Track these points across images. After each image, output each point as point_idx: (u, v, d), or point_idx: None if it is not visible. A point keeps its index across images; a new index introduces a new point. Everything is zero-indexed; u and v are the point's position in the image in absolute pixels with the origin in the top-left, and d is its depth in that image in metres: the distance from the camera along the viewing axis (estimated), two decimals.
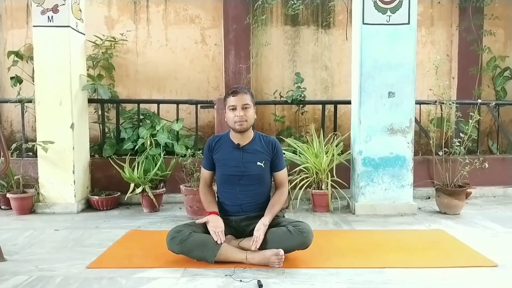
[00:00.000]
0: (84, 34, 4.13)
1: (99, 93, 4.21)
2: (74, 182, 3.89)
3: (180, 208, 4.04)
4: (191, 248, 2.42)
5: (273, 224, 2.56)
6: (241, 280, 2.19)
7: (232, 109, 2.53)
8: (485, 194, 4.51)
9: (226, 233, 2.53)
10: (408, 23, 3.66)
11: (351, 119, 4.00)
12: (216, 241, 2.42)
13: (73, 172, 3.89)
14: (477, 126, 4.39)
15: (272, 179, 2.74)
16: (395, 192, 3.76)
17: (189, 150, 4.11)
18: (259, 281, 2.14)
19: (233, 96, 2.53)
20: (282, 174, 2.71)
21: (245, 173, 2.59)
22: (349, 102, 4.16)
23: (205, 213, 2.65)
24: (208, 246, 2.41)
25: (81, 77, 4.06)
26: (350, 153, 3.98)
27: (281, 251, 2.37)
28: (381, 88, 3.69)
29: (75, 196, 3.89)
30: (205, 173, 2.75)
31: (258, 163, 2.60)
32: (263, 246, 2.43)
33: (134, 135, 4.46)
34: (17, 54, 4.78)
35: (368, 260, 2.51)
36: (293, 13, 5.14)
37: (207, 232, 2.50)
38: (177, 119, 4.56)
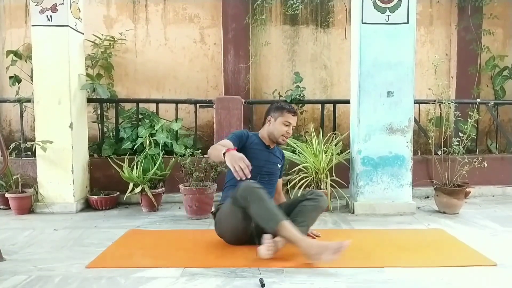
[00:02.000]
0: (83, 34, 4.12)
1: (98, 93, 4.21)
2: (73, 181, 3.89)
3: (179, 207, 4.03)
4: (261, 199, 2.40)
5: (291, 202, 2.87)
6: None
7: (287, 125, 2.87)
8: (484, 193, 4.52)
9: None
10: (407, 22, 3.66)
11: (350, 119, 4.00)
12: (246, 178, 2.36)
13: (72, 172, 3.88)
14: (476, 125, 4.40)
15: None
16: (394, 191, 3.76)
17: (188, 149, 4.11)
18: (261, 280, 2.14)
19: (292, 114, 2.89)
20: (281, 180, 3.19)
21: (269, 170, 2.89)
22: (348, 102, 4.16)
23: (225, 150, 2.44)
24: (275, 211, 2.41)
25: (80, 76, 4.05)
26: (349, 152, 3.98)
27: (346, 242, 2.30)
28: (380, 87, 3.69)
29: (74, 195, 3.89)
30: (228, 144, 2.60)
31: (278, 165, 3.00)
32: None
33: (133, 134, 4.45)
34: (15, 53, 4.76)
35: (367, 260, 2.51)
36: (292, 13, 5.15)
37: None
38: (176, 119, 4.56)
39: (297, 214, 2.68)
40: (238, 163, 2.31)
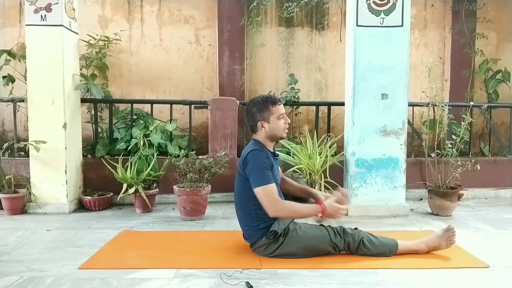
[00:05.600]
0: (77, 33, 4.10)
1: (92, 93, 4.19)
2: (66, 182, 3.87)
3: (173, 208, 4.02)
4: (372, 241, 2.56)
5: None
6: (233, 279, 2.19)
7: (281, 117, 2.57)
8: (477, 196, 4.54)
9: None
10: (402, 25, 3.68)
11: (345, 121, 4.01)
12: None
13: (65, 172, 3.86)
14: (469, 128, 4.42)
15: None
16: (387, 193, 3.77)
17: (182, 150, 4.10)
18: (247, 283, 2.14)
19: (279, 104, 2.57)
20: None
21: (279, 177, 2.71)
22: (342, 104, 4.17)
23: (319, 211, 2.44)
24: (387, 241, 2.60)
25: (74, 76, 4.03)
26: (343, 154, 3.99)
27: (452, 225, 2.61)
28: (375, 89, 3.70)
29: (67, 196, 3.86)
30: (275, 188, 2.44)
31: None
32: None
33: (127, 135, 4.44)
34: (9, 53, 4.73)
35: (360, 261, 2.51)
36: (288, 15, 5.15)
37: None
38: (171, 120, 4.55)
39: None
40: (339, 214, 2.47)
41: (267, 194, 2.40)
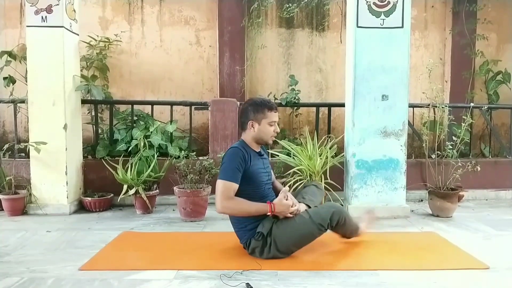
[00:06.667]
0: (78, 35, 4.11)
1: (93, 94, 4.19)
2: (67, 183, 3.87)
3: (173, 210, 4.02)
4: (349, 216, 2.71)
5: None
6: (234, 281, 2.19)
7: (272, 124, 2.64)
8: (477, 197, 4.54)
9: None
10: (402, 26, 3.68)
11: (345, 122, 4.01)
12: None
13: (66, 173, 3.86)
14: (469, 129, 4.43)
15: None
16: (388, 194, 3.77)
17: (182, 151, 4.10)
18: (248, 284, 2.15)
19: (274, 112, 2.64)
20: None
21: (268, 177, 2.74)
22: (343, 105, 4.17)
23: (269, 211, 2.48)
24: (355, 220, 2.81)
25: (74, 77, 4.04)
26: (343, 155, 3.99)
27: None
28: (375, 91, 3.70)
29: (67, 197, 3.87)
30: (235, 188, 2.47)
31: (269, 165, 2.82)
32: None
33: (127, 136, 4.44)
34: (10, 54, 4.74)
35: (361, 262, 2.52)
36: (288, 16, 5.16)
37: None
38: (171, 121, 4.55)
39: (305, 193, 2.87)
40: (288, 212, 2.51)
41: (224, 190, 2.45)
